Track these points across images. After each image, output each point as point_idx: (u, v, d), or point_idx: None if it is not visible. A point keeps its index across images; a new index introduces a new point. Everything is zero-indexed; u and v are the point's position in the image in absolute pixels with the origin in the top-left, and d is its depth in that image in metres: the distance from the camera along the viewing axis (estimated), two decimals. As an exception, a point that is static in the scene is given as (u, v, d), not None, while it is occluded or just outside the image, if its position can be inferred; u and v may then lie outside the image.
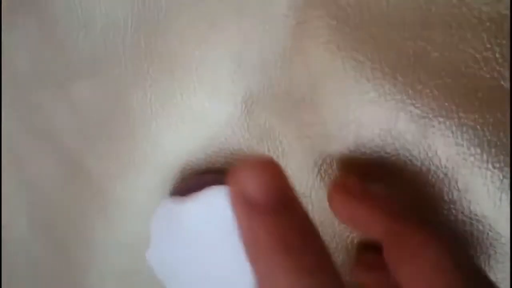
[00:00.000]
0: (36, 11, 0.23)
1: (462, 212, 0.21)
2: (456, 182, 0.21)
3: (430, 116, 0.20)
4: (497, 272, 0.21)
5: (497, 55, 0.19)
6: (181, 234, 0.21)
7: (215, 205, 0.20)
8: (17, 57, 0.24)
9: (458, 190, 0.21)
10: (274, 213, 0.13)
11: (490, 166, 0.20)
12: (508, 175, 0.20)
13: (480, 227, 0.21)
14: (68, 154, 0.25)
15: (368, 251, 0.22)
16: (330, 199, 0.20)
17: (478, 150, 0.20)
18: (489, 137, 0.20)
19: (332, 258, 0.14)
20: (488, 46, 0.19)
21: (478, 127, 0.20)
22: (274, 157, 0.22)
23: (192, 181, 0.23)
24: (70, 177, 0.26)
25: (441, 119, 0.20)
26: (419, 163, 0.21)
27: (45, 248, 0.29)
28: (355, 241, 0.23)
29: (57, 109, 0.24)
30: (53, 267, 0.29)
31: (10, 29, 0.24)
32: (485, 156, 0.20)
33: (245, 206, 0.14)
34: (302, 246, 0.13)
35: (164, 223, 0.22)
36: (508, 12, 0.18)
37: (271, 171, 0.14)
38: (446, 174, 0.21)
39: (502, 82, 0.19)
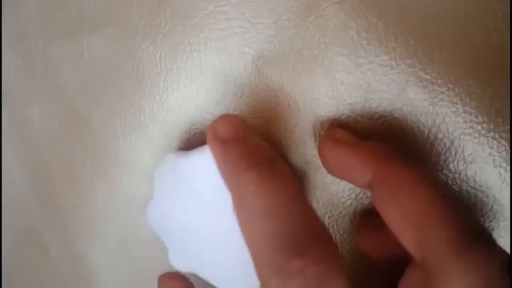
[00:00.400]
0: None
1: (467, 183, 0.21)
2: (462, 151, 0.21)
3: (440, 82, 0.20)
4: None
5: (506, 25, 0.19)
6: (183, 187, 0.21)
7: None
8: (25, 2, 0.24)
9: (464, 159, 0.21)
10: (241, 141, 0.18)
11: (497, 135, 0.20)
12: (515, 145, 0.20)
13: (485, 199, 0.21)
14: (71, 107, 0.25)
15: (371, 218, 0.22)
16: (321, 149, 0.20)
17: (486, 119, 0.20)
18: (497, 107, 0.20)
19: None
20: (500, 15, 0.19)
21: (487, 95, 0.20)
22: (283, 118, 0.22)
23: (198, 141, 0.23)
24: (72, 131, 0.26)
25: (450, 86, 0.20)
26: (426, 130, 0.21)
27: (40, 206, 0.28)
28: (358, 208, 0.23)
29: (64, 59, 0.24)
30: (48, 226, 0.29)
31: None
32: (492, 125, 0.20)
33: (218, 141, 0.19)
34: (264, 161, 0.18)
35: (167, 176, 0.21)
36: None
37: (232, 118, 0.19)
38: (452, 142, 0.21)
39: (509, 51, 0.19)
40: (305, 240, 0.16)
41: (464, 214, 0.16)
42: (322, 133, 0.22)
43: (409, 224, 0.16)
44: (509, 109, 0.20)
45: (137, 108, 0.24)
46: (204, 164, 0.20)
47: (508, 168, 0.20)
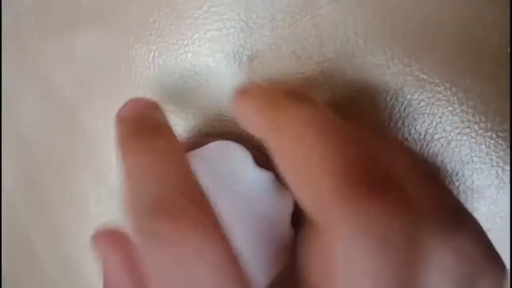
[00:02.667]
0: None
1: (464, 183, 0.21)
2: (460, 151, 0.20)
3: (437, 81, 0.20)
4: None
5: (505, 22, 0.19)
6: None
7: (218, 159, 0.19)
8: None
9: (461, 159, 0.21)
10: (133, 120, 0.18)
11: (494, 135, 0.20)
12: (512, 144, 0.20)
13: (481, 200, 0.21)
14: (63, 104, 0.25)
15: None
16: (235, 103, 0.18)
17: (483, 118, 0.20)
18: (494, 106, 0.20)
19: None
20: (497, 12, 0.19)
21: (484, 95, 0.20)
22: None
23: (193, 144, 0.23)
24: (64, 130, 0.25)
25: (447, 85, 0.20)
26: (423, 130, 0.21)
27: (31, 206, 0.28)
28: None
29: (57, 55, 0.24)
30: (37, 227, 0.28)
31: None
32: (489, 125, 0.20)
33: (121, 122, 0.18)
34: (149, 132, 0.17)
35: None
36: None
37: (139, 101, 0.19)
38: (449, 143, 0.20)
39: (509, 50, 0.19)
40: (180, 205, 0.14)
41: (371, 158, 0.14)
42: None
43: (294, 175, 0.14)
44: (507, 108, 0.20)
45: (130, 109, 0.24)
46: (198, 168, 0.19)
47: (507, 167, 0.20)
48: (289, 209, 0.20)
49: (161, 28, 0.22)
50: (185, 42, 0.22)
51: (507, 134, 0.20)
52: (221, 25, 0.21)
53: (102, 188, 0.25)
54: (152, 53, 0.22)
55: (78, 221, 0.27)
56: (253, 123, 0.17)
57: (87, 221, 0.26)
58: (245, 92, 0.17)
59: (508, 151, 0.20)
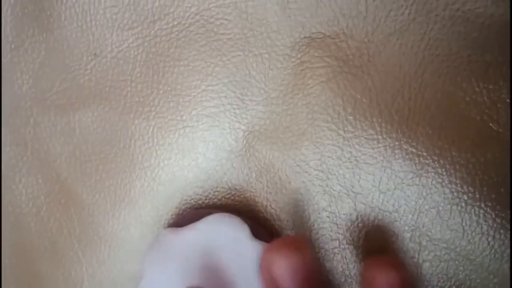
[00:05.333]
0: (45, 34, 0.24)
1: (456, 251, 0.21)
2: (451, 222, 0.21)
3: (425, 154, 0.21)
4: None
5: (485, 98, 0.20)
6: (177, 264, 0.20)
7: (214, 233, 0.20)
8: (20, 77, 0.25)
9: (453, 229, 0.21)
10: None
11: (482, 204, 0.21)
12: (501, 214, 0.20)
13: (476, 268, 0.21)
14: (60, 182, 0.25)
15: None
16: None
17: (471, 189, 0.21)
18: (481, 176, 0.21)
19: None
20: (477, 89, 0.20)
21: (471, 166, 0.21)
22: (273, 193, 0.23)
23: (188, 216, 0.23)
24: (59, 207, 0.25)
25: (435, 158, 0.21)
26: (413, 201, 0.21)
27: (21, 276, 0.27)
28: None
29: (55, 133, 0.24)
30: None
31: (15, 47, 0.25)
32: (477, 195, 0.21)
33: (270, 284, 0.16)
34: None
35: (159, 254, 0.21)
36: (493, 59, 0.20)
37: (297, 254, 0.16)
38: (439, 212, 0.21)
39: (490, 124, 0.20)
40: None
41: None
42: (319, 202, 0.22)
43: None
44: (493, 178, 0.20)
45: (128, 184, 0.24)
46: (197, 242, 0.19)
47: (497, 236, 0.21)
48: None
49: (161, 104, 0.23)
50: (184, 118, 0.23)
51: (495, 203, 0.20)
52: (218, 102, 0.23)
53: (95, 264, 0.25)
54: (151, 128, 0.23)
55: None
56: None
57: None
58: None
59: (498, 220, 0.21)
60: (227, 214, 0.21)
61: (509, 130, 0.20)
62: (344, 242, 0.22)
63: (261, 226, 0.23)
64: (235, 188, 0.23)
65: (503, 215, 0.20)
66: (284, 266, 0.16)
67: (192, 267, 0.20)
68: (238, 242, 0.20)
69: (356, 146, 0.21)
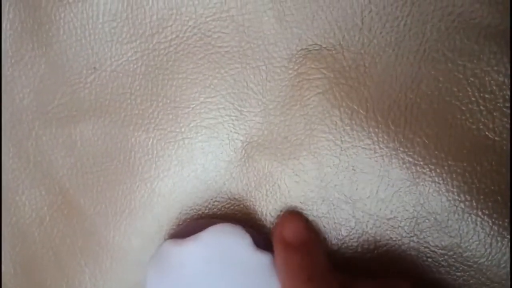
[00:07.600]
0: (44, 48, 0.24)
1: (454, 258, 0.21)
2: (449, 229, 0.21)
3: (422, 163, 0.21)
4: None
5: (481, 108, 0.21)
6: (180, 276, 0.20)
7: (217, 243, 0.20)
8: (21, 91, 0.25)
9: (450, 236, 0.21)
10: (301, 251, 0.20)
11: (479, 212, 0.21)
12: (497, 222, 0.21)
13: (474, 274, 0.21)
14: (62, 194, 0.25)
15: None
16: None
17: (468, 197, 0.21)
18: (477, 184, 0.21)
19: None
20: (473, 99, 0.21)
21: (467, 174, 0.21)
22: (272, 202, 0.23)
23: (189, 227, 0.23)
24: (62, 218, 0.25)
25: (432, 167, 0.21)
26: (411, 208, 0.21)
27: (24, 286, 0.27)
28: None
29: (57, 146, 0.24)
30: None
31: (15, 61, 0.25)
32: (474, 203, 0.21)
33: (282, 244, 0.21)
34: (319, 276, 0.20)
35: (161, 266, 0.21)
36: (489, 68, 0.20)
37: (297, 224, 0.22)
38: (437, 220, 0.21)
39: (487, 133, 0.21)
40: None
41: None
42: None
43: None
44: (489, 187, 0.21)
45: (128, 195, 0.24)
46: (199, 253, 0.20)
47: (494, 243, 0.21)
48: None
49: (160, 117, 0.23)
50: (183, 129, 0.23)
51: (492, 211, 0.21)
52: (216, 113, 0.23)
53: (98, 274, 0.25)
54: (151, 140, 0.24)
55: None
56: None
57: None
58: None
59: (495, 227, 0.21)
60: (228, 224, 0.21)
61: (505, 139, 0.20)
62: (343, 247, 0.23)
63: (261, 235, 0.23)
64: (235, 198, 0.23)
65: (500, 222, 0.21)
66: (293, 227, 0.21)
67: (194, 278, 0.20)
68: (240, 252, 0.21)
69: (354, 156, 0.22)
